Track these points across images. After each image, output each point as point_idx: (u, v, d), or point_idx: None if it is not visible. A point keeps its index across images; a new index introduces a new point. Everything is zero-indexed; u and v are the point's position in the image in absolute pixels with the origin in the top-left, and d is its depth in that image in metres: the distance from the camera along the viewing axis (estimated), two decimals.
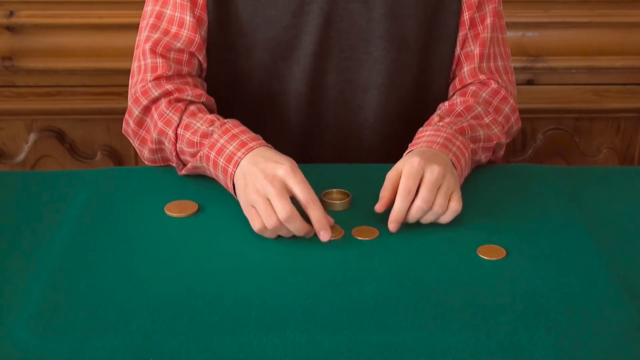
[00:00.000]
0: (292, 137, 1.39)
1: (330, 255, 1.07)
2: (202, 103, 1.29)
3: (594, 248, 1.10)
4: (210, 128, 1.20)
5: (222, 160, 1.16)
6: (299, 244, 1.09)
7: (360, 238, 1.11)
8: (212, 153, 1.17)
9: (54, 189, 1.24)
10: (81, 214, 1.16)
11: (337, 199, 1.19)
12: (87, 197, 1.21)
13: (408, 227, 1.14)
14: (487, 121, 1.31)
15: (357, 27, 1.31)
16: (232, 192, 1.17)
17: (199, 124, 1.22)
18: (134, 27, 1.40)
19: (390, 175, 1.15)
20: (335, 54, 1.33)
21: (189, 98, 1.26)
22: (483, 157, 1.29)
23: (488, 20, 1.35)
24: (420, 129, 1.27)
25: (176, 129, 1.23)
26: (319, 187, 1.20)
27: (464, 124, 1.26)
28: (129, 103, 1.29)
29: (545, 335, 0.93)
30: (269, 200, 1.08)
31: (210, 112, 1.29)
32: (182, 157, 1.25)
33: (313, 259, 1.06)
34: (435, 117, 1.28)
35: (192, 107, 1.26)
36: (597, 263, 1.06)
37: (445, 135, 1.21)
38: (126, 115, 1.30)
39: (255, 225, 1.09)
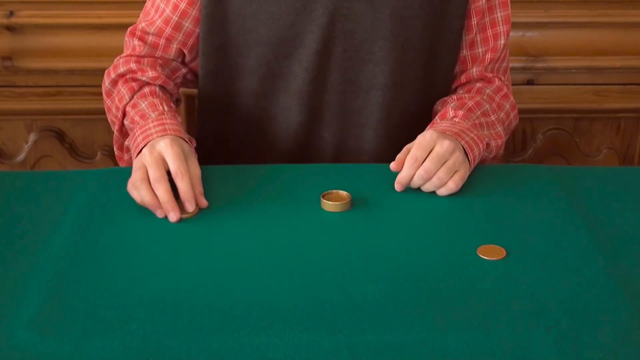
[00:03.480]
0: (294, 136, 1.39)
1: (330, 255, 1.07)
2: (160, 86, 1.36)
3: (594, 248, 1.09)
4: (152, 114, 1.28)
5: (140, 137, 1.24)
6: (298, 244, 1.10)
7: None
8: (138, 132, 1.26)
9: (54, 189, 1.24)
10: (81, 214, 1.16)
11: (337, 200, 1.19)
12: (87, 197, 1.21)
13: (408, 226, 1.14)
14: (493, 119, 1.35)
15: (361, 27, 1.31)
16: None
17: (143, 105, 1.30)
18: None
19: (409, 145, 1.23)
20: (339, 54, 1.33)
21: (144, 79, 1.35)
22: (491, 154, 1.33)
23: (502, 28, 1.38)
24: (435, 120, 1.32)
25: (125, 106, 1.33)
26: (319, 187, 1.21)
27: (476, 121, 1.31)
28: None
29: (545, 335, 0.93)
30: (145, 166, 1.18)
31: (170, 95, 1.38)
32: (125, 131, 1.34)
33: (313, 259, 1.06)
34: (450, 111, 1.32)
35: (146, 89, 1.34)
36: (597, 263, 1.06)
37: (460, 127, 1.26)
38: (102, 82, 1.41)
39: (129, 185, 1.18)
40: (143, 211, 1.17)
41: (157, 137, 1.21)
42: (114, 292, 0.99)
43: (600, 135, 2.11)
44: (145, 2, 1.40)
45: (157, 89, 1.35)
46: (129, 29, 1.39)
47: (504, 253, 1.08)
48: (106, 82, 1.39)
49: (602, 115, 2.09)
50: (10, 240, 1.11)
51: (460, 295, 1.00)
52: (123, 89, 1.34)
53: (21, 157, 2.05)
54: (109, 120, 1.40)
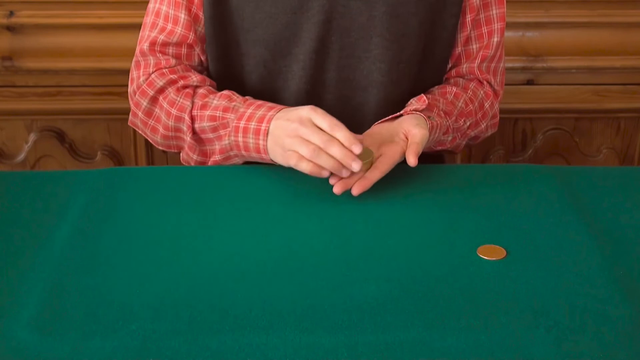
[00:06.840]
0: None
1: (330, 255, 1.07)
2: (209, 86, 1.34)
3: (594, 248, 1.10)
4: (233, 103, 1.27)
5: (253, 123, 1.22)
6: (299, 244, 1.10)
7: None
8: (242, 122, 1.23)
9: (54, 189, 1.24)
10: (81, 214, 1.16)
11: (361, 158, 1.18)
12: (87, 197, 1.21)
13: (408, 226, 1.14)
14: (461, 104, 1.38)
15: (357, 24, 1.32)
16: (266, 155, 1.23)
17: (215, 101, 1.29)
18: (134, 27, 1.41)
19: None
20: (335, 52, 1.34)
21: (194, 83, 1.33)
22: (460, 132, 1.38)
23: (497, 25, 1.39)
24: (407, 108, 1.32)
25: (190, 112, 1.29)
26: (317, 187, 1.21)
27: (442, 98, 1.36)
28: (135, 96, 1.35)
29: (545, 335, 0.93)
30: (302, 137, 1.17)
31: None
32: (202, 136, 1.30)
33: (313, 259, 1.06)
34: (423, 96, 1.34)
35: (201, 90, 1.32)
36: (597, 263, 1.06)
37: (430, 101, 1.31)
38: (133, 107, 1.36)
39: (293, 159, 1.17)
40: (143, 211, 1.17)
41: (275, 112, 1.22)
42: (114, 292, 0.99)
43: (600, 135, 2.11)
44: (146, 4, 1.40)
45: (211, 88, 1.33)
46: (142, 48, 1.34)
47: (504, 253, 1.08)
48: (143, 103, 1.34)
49: (602, 115, 2.09)
50: (10, 240, 1.11)
51: (460, 295, 1.00)
52: (179, 98, 1.30)
53: (21, 157, 2.05)
54: (160, 136, 1.35)
